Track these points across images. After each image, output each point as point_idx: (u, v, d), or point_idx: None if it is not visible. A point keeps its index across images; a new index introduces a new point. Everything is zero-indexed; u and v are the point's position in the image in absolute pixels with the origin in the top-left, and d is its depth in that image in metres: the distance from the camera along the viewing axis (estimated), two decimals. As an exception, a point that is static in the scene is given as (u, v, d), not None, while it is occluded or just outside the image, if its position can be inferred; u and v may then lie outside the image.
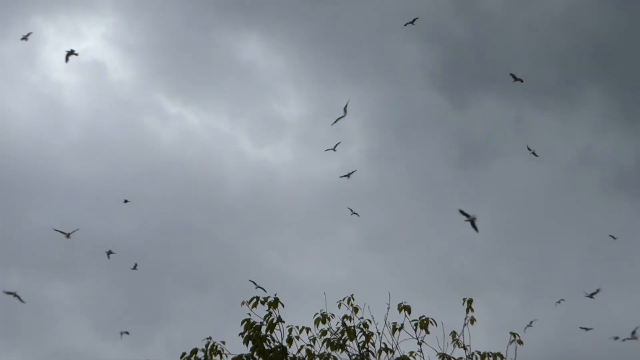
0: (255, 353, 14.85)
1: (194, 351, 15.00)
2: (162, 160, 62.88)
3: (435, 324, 15.19)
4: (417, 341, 15.21)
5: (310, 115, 66.32)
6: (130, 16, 66.35)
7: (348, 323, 15.40)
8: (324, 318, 15.37)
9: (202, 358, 14.96)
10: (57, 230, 35.93)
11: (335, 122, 36.31)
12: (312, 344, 15.28)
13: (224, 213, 60.67)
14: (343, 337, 15.29)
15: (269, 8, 65.96)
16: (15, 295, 31.95)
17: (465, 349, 15.28)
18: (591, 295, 38.43)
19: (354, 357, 15.29)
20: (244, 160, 64.89)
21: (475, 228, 24.00)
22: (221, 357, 14.97)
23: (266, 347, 14.91)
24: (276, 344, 15.02)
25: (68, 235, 35.34)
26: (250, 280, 32.91)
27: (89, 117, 63.68)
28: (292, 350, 15.17)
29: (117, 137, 62.94)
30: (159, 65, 66.22)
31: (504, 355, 15.04)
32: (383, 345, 15.27)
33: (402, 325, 15.24)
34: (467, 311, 15.46)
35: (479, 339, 15.43)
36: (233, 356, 14.91)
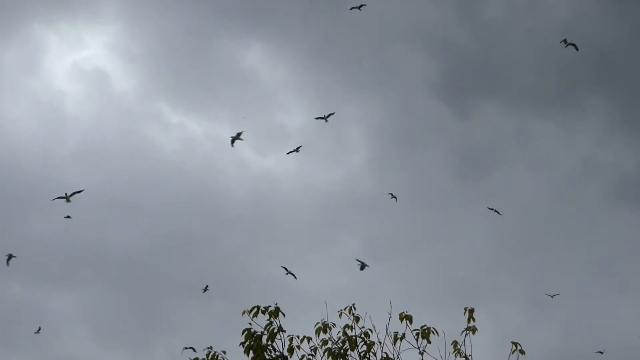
0: (256, 363, 14.81)
1: (195, 361, 14.96)
2: (164, 169, 62.97)
3: (437, 333, 15.14)
4: (418, 351, 15.16)
5: (313, 125, 66.29)
6: (133, 25, 66.54)
7: (349, 332, 15.34)
8: (325, 327, 15.32)
9: (203, 367, 14.93)
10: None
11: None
12: (313, 353, 15.23)
13: (225, 222, 60.72)
14: (344, 347, 15.23)
15: (271, 17, 66.13)
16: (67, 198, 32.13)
17: (466, 358, 15.23)
18: (552, 296, 38.59)
19: (355, 366, 15.24)
20: (245, 169, 64.95)
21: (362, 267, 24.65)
22: (222, 366, 14.93)
23: (267, 357, 14.87)
24: (277, 353, 14.97)
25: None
26: (282, 267, 32.90)
27: (91, 125, 63.81)
28: (293, 360, 15.13)
29: (118, 146, 63.05)
30: (161, 74, 66.36)
31: (506, 365, 14.99)
32: (384, 355, 15.21)
33: (404, 334, 15.19)
34: (469, 321, 15.42)
35: (480, 349, 15.39)
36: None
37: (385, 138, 66.24)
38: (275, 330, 15.02)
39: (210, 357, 14.99)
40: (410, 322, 15.18)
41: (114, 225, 58.72)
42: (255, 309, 15.15)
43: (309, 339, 15.23)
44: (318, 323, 15.36)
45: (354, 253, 58.62)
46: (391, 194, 42.98)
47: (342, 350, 15.21)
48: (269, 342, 14.95)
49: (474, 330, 15.29)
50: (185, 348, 30.55)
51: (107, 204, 59.57)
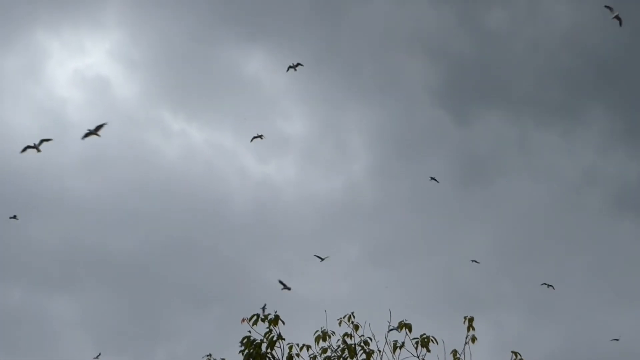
0: (255, 370, 14.81)
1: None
2: (166, 177, 62.95)
3: (437, 342, 15.12)
4: (417, 359, 15.14)
5: (314, 132, 66.47)
6: (135, 32, 66.62)
7: (349, 341, 15.33)
8: (324, 335, 15.30)
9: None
10: (27, 147, 35.04)
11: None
12: (312, 361, 15.23)
13: (227, 229, 60.69)
14: (344, 355, 15.22)
15: (273, 25, 66.20)
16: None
17: (466, 367, 15.21)
18: (548, 286, 38.59)
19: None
20: (247, 177, 64.97)
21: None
22: (221, 374, 14.94)
23: (266, 365, 14.86)
24: (276, 361, 14.97)
25: (38, 149, 34.71)
26: (280, 281, 32.97)
27: (92, 132, 63.64)
28: (292, 368, 15.12)
29: (120, 153, 63.03)
30: (163, 81, 66.41)
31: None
32: (384, 364, 15.20)
33: (403, 343, 15.17)
34: (468, 329, 15.40)
35: (480, 358, 15.37)
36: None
37: (386, 146, 66.33)
38: (275, 338, 15.00)
39: (209, 364, 15.01)
40: (410, 330, 15.16)
41: (115, 231, 58.78)
42: (255, 317, 15.14)
43: (309, 347, 15.22)
44: (317, 331, 15.35)
45: (355, 260, 58.64)
46: (432, 177, 43.20)
47: (341, 359, 15.20)
48: (269, 350, 14.94)
49: (473, 339, 15.28)
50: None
51: (108, 210, 59.65)
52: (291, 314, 15.41)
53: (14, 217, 38.98)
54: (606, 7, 37.16)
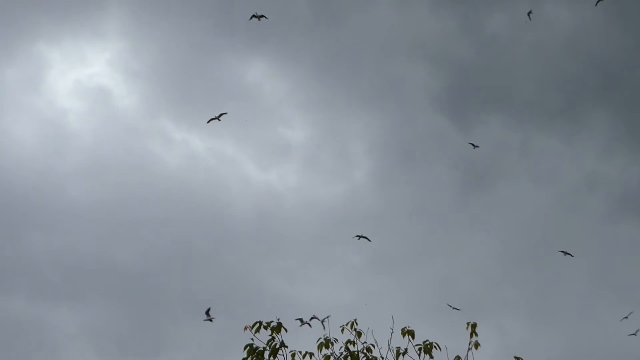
0: (257, 378, 14.77)
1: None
2: (167, 185, 62.96)
3: (440, 348, 15.09)
4: (421, 366, 15.11)
5: (316, 139, 66.43)
6: (135, 42, 66.63)
7: (351, 348, 15.29)
8: (327, 343, 15.27)
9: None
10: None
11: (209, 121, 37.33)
12: (315, 369, 15.20)
13: (228, 237, 60.68)
14: (347, 362, 15.20)
15: (273, 32, 66.17)
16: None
17: (469, 373, 15.18)
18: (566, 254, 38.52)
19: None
20: (248, 185, 64.94)
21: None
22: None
23: (269, 373, 14.84)
24: (279, 369, 14.94)
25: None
26: (206, 313, 32.86)
27: (94, 142, 63.85)
28: (295, 376, 15.08)
29: (121, 162, 63.09)
30: (163, 90, 66.42)
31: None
32: (387, 370, 15.17)
33: (406, 349, 15.13)
34: (471, 335, 15.37)
35: (483, 364, 15.34)
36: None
37: (387, 152, 66.27)
38: (278, 346, 14.97)
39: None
40: (413, 337, 15.13)
41: (117, 241, 58.78)
42: (258, 325, 15.11)
43: (311, 354, 15.19)
44: (320, 338, 15.32)
45: (357, 267, 58.56)
46: (472, 144, 43.41)
47: (344, 366, 15.18)
48: (271, 358, 14.90)
49: (476, 345, 15.25)
50: None
51: (110, 220, 59.66)
52: (294, 321, 15.37)
53: None
54: None
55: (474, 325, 15.45)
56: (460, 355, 15.22)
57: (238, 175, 65.20)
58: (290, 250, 60.45)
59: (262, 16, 39.41)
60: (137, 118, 65.89)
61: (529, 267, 57.42)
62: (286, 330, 15.07)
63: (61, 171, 61.99)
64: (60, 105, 64.39)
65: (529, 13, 41.10)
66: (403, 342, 15.13)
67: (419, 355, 15.09)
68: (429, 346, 15.08)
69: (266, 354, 14.90)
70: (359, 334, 15.40)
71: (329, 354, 15.26)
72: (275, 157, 66.08)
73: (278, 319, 15.16)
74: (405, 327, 15.19)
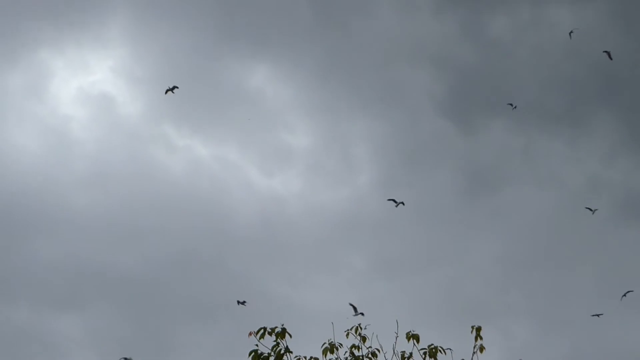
0: (262, 384, 14.76)
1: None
2: (171, 192, 62.96)
3: (444, 352, 15.07)
4: (426, 370, 15.09)
5: (319, 144, 66.45)
6: (138, 48, 66.72)
7: (356, 352, 15.28)
8: (332, 348, 15.24)
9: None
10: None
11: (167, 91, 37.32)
12: (320, 374, 15.17)
13: (232, 243, 60.64)
14: (351, 367, 15.18)
15: (276, 37, 66.29)
16: None
17: (475, 377, 15.15)
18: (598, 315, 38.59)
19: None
20: (252, 190, 64.92)
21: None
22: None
23: (274, 378, 14.82)
24: (284, 374, 14.92)
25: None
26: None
27: (97, 149, 63.90)
28: (300, 381, 15.06)
29: (125, 170, 63.12)
30: (166, 97, 66.35)
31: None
32: (392, 375, 15.15)
33: (411, 354, 15.12)
34: (476, 339, 15.35)
35: (489, 367, 15.31)
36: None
37: (391, 157, 66.22)
38: (282, 352, 14.96)
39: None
40: (418, 341, 15.12)
41: (120, 247, 58.79)
42: (262, 330, 15.10)
43: (316, 359, 15.17)
44: (325, 343, 15.29)
45: (361, 272, 58.52)
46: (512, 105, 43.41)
47: (349, 371, 15.16)
48: (276, 363, 14.90)
49: (481, 348, 15.23)
50: None
51: (114, 226, 59.68)
52: (298, 326, 15.35)
53: None
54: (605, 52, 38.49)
55: (478, 329, 15.43)
56: (465, 359, 15.20)
57: (241, 181, 65.24)
58: (294, 255, 60.45)
59: (175, 87, 39.57)
60: (140, 125, 65.96)
61: (533, 270, 57.36)
62: (290, 336, 15.06)
63: (64, 178, 62.07)
64: (63, 113, 64.50)
65: (571, 33, 41.08)
66: (408, 347, 15.13)
67: (424, 359, 15.07)
68: (434, 350, 15.06)
69: (271, 359, 14.88)
70: (363, 339, 15.38)
71: (334, 358, 15.24)
72: (279, 162, 66.14)
73: (282, 325, 15.16)
74: (410, 331, 15.19)
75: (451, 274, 58.12)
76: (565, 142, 64.82)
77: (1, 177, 59.48)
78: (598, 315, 41.17)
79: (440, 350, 15.06)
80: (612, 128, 65.38)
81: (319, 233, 61.93)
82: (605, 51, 39.49)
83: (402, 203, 38.97)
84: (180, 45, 65.31)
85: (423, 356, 15.07)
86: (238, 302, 34.02)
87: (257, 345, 15.02)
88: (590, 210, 40.15)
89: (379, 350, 15.28)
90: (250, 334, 15.15)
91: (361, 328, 15.45)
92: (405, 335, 15.19)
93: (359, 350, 15.31)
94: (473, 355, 15.22)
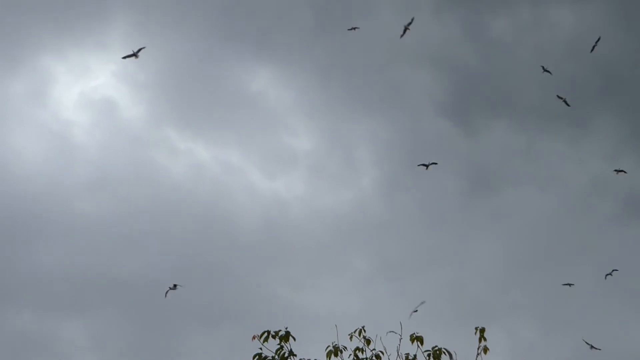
0: (267, 387, 14.77)
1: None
2: (173, 196, 62.97)
3: (449, 354, 15.06)
4: (430, 372, 15.08)
5: (321, 147, 66.43)
6: (140, 53, 66.67)
7: (360, 355, 15.27)
8: (335, 351, 15.24)
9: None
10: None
11: None
12: (324, 377, 15.18)
13: (235, 246, 60.64)
14: (356, 370, 15.18)
15: (277, 40, 66.27)
16: None
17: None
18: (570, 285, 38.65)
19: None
20: (255, 194, 64.91)
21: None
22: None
23: (278, 381, 14.83)
24: (288, 377, 14.93)
25: (136, 56, 34.83)
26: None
27: (100, 154, 63.92)
28: (304, 384, 15.08)
29: (127, 174, 63.12)
30: (168, 101, 66.48)
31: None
32: (396, 377, 15.14)
33: (415, 356, 15.11)
34: (480, 340, 15.34)
35: (493, 369, 15.30)
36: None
37: (393, 159, 66.15)
38: (286, 355, 14.97)
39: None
40: (422, 343, 15.11)
41: (124, 252, 58.80)
42: (266, 334, 15.11)
43: (321, 362, 15.19)
44: (329, 346, 15.28)
45: (364, 275, 58.52)
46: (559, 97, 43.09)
47: (353, 374, 15.16)
48: (280, 367, 14.91)
49: (485, 349, 15.21)
50: None
51: (117, 231, 59.67)
52: (302, 329, 15.36)
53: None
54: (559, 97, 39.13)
55: (482, 330, 15.42)
56: (469, 361, 15.21)
57: (244, 185, 65.22)
58: (297, 258, 60.47)
59: (176, 285, 38.21)
60: (142, 129, 65.95)
61: (536, 271, 57.30)
62: (294, 339, 15.07)
63: (67, 184, 62.07)
64: (65, 118, 64.50)
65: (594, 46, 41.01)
66: (412, 349, 15.12)
67: (428, 361, 15.08)
68: (438, 352, 15.05)
69: (275, 362, 14.91)
70: (367, 341, 15.37)
71: (338, 361, 15.25)
72: (281, 165, 66.10)
73: (286, 328, 15.17)
74: (414, 333, 15.18)
75: (454, 275, 58.11)
76: (567, 142, 64.77)
77: (4, 182, 59.53)
78: (569, 284, 41.04)
79: (444, 352, 15.06)
80: (614, 128, 65.32)
81: (321, 235, 61.94)
82: (560, 97, 39.85)
83: (435, 163, 38.77)
84: (182, 49, 65.35)
85: (427, 358, 15.07)
86: (170, 287, 33.59)
87: (261, 348, 15.03)
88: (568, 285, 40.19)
89: (382, 353, 15.28)
90: (254, 337, 15.16)
91: (364, 330, 15.45)
92: (409, 337, 15.19)
93: (363, 353, 15.30)
94: (477, 356, 15.21)
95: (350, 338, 15.43)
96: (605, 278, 39.57)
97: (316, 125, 67.25)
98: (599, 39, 40.76)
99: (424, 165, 38.81)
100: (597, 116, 65.51)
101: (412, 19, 38.14)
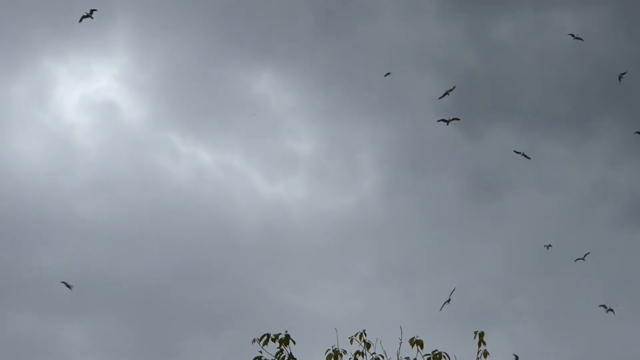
0: (266, 391, 14.74)
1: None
2: (175, 199, 62.97)
3: (449, 358, 15.01)
4: (430, 376, 15.03)
5: (323, 150, 66.38)
6: (141, 55, 66.73)
7: (360, 359, 15.22)
8: (336, 354, 15.20)
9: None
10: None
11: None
12: (324, 381, 15.12)
13: (237, 250, 60.64)
14: (356, 373, 15.13)
15: (279, 43, 66.27)
16: None
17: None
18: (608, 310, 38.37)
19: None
20: (256, 197, 64.90)
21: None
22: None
23: (278, 385, 14.78)
24: (287, 381, 14.88)
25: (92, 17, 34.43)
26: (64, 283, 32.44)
27: (101, 157, 63.93)
28: (304, 388, 15.03)
29: (129, 177, 63.14)
30: (170, 104, 66.51)
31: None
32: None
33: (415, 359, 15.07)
34: (479, 344, 15.28)
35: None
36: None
37: (395, 162, 66.13)
38: (286, 358, 14.94)
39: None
40: (422, 347, 15.05)
41: (125, 256, 58.80)
42: (266, 337, 15.08)
43: (320, 366, 15.14)
44: (329, 350, 15.24)
45: (366, 278, 58.49)
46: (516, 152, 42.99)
47: (353, 377, 15.11)
48: (280, 370, 14.87)
49: (485, 353, 15.17)
50: None
51: (118, 234, 59.69)
52: (302, 333, 15.30)
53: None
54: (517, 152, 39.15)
55: (481, 334, 15.37)
56: (469, 365, 15.15)
57: (245, 188, 65.19)
58: (299, 261, 60.45)
59: (93, 10, 37.50)
60: (144, 132, 65.96)
61: (538, 275, 57.22)
62: (294, 342, 15.03)
63: (69, 187, 62.08)
64: (67, 121, 64.53)
65: (621, 76, 40.93)
66: (412, 352, 15.06)
67: (428, 365, 15.02)
68: (437, 356, 15.00)
69: (275, 366, 14.87)
70: (368, 345, 15.33)
71: (338, 365, 15.19)
72: (283, 169, 66.09)
73: (286, 331, 15.13)
74: (414, 337, 15.13)
75: (455, 279, 57.91)
76: (570, 147, 64.69)
77: (5, 184, 59.55)
78: (547, 246, 40.93)
79: (444, 356, 15.01)
80: (617, 131, 65.22)
81: (323, 239, 61.90)
82: (517, 152, 39.91)
83: (457, 119, 38.51)
84: (184, 52, 65.38)
85: (427, 362, 15.03)
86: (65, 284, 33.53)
87: (260, 352, 14.99)
88: (605, 307, 39.92)
89: (382, 357, 15.23)
90: (253, 340, 15.12)
91: (365, 334, 15.40)
92: (409, 341, 15.14)
93: (363, 357, 15.25)
94: (477, 361, 15.18)
95: (351, 342, 15.39)
96: (607, 312, 39.42)
97: (318, 128, 67.25)
98: (625, 73, 40.66)
99: (444, 120, 38.49)
100: (599, 120, 65.44)
101: (454, 87, 38.04)
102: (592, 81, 63.41)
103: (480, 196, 63.72)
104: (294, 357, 15.01)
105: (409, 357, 15.07)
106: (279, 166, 66.11)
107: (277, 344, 15.03)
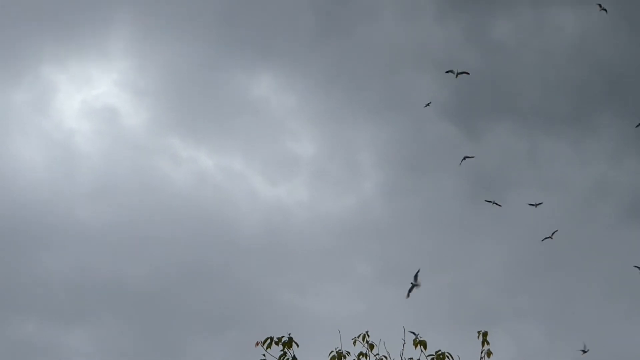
0: (270, 394, 14.72)
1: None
2: (176, 203, 63.03)
3: (452, 358, 15.00)
4: (434, 376, 15.01)
5: (324, 152, 66.42)
6: (141, 60, 66.80)
7: (364, 360, 15.23)
8: (339, 356, 15.18)
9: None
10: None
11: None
12: (327, 383, 15.11)
13: (238, 253, 60.66)
14: (359, 375, 15.13)
15: (279, 46, 66.32)
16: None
17: (483, 383, 15.07)
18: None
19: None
20: (257, 200, 64.92)
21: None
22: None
23: (282, 388, 14.78)
24: (291, 384, 14.87)
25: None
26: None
27: (102, 162, 64.01)
28: (307, 390, 15.02)
29: (130, 182, 63.22)
30: (170, 108, 66.57)
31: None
32: (400, 382, 15.08)
33: (419, 360, 15.06)
34: (483, 344, 15.26)
35: (497, 372, 15.23)
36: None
37: (396, 163, 66.13)
38: (290, 361, 14.94)
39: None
40: (425, 347, 15.04)
41: (127, 260, 58.86)
42: (269, 340, 15.06)
43: (324, 368, 15.13)
44: (332, 351, 15.23)
45: (367, 279, 58.49)
46: (600, 6, 42.15)
47: (357, 379, 15.11)
48: (283, 373, 14.86)
49: (488, 353, 15.14)
50: None
51: (119, 239, 59.73)
52: (304, 334, 15.30)
53: None
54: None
55: (485, 334, 15.34)
56: (473, 365, 15.13)
57: (246, 191, 65.21)
58: (300, 263, 60.46)
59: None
60: (145, 137, 66.02)
61: (540, 274, 57.22)
62: (297, 345, 15.02)
63: (69, 192, 62.14)
64: (67, 127, 64.59)
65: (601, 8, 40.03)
66: (415, 353, 15.05)
67: (432, 365, 15.01)
68: (441, 356, 14.99)
69: (278, 368, 14.86)
70: (371, 346, 15.31)
71: (342, 366, 15.18)
72: (284, 171, 66.12)
73: (289, 334, 15.11)
74: (417, 337, 15.12)
75: (457, 279, 58.03)
76: (571, 145, 64.67)
77: (6, 190, 59.61)
78: (535, 205, 40.75)
79: (447, 357, 14.99)
80: (618, 129, 65.20)
81: (324, 241, 61.91)
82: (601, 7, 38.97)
83: (466, 72, 38.06)
84: (184, 56, 65.45)
85: (431, 363, 15.01)
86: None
87: (264, 355, 14.98)
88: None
89: (386, 357, 15.22)
90: (257, 344, 15.10)
91: (368, 335, 15.39)
92: (412, 342, 15.13)
93: (366, 358, 15.24)
94: (481, 360, 15.15)
95: (354, 343, 15.37)
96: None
97: (318, 131, 67.28)
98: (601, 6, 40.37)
99: (452, 72, 38.21)
100: (600, 119, 65.42)
101: (473, 156, 37.67)
102: (592, 81, 63.44)
103: (481, 196, 63.66)
104: (297, 359, 15.00)
105: (412, 358, 15.07)
106: (280, 168, 66.19)
107: (281, 347, 15.02)
